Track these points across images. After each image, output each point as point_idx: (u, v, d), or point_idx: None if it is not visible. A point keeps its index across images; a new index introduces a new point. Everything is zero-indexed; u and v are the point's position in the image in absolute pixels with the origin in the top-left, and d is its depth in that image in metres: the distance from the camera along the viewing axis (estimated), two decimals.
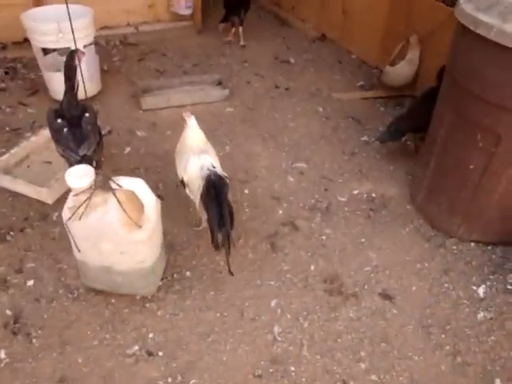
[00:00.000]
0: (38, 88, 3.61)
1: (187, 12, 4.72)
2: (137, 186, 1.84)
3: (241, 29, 4.55)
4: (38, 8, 3.53)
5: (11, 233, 2.34)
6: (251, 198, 2.72)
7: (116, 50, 4.41)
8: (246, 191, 2.78)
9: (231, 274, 1.97)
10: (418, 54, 3.54)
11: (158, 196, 2.06)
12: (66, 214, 1.75)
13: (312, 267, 2.30)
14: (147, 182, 1.93)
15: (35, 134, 2.97)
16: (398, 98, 3.82)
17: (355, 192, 2.82)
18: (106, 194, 1.71)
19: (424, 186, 2.59)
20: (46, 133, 2.82)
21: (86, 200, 1.68)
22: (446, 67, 2.35)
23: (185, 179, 2.14)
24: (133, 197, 1.75)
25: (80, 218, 1.70)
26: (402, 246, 2.46)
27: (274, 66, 4.31)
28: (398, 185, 2.89)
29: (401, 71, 3.59)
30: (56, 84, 3.34)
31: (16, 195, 2.55)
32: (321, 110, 3.63)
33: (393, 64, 3.63)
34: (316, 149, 3.19)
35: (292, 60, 4.39)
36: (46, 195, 2.49)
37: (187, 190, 2.19)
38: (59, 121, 2.22)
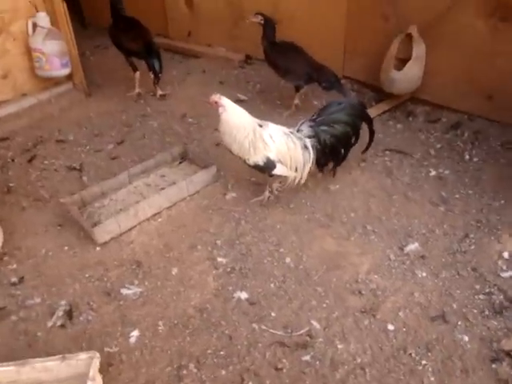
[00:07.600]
0: None
1: (64, 72, 3.24)
2: None
3: (152, 76, 3.28)
4: None
5: None
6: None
7: None
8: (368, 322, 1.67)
9: None
10: (424, 48, 2.78)
11: None
12: None
13: None
14: None
15: None
16: (399, 107, 3.04)
17: (506, 255, 1.93)
18: None
19: None
20: None
21: None
22: None
23: (272, 157, 1.98)
24: None
25: None
26: None
27: None
28: None
29: (411, 74, 2.79)
30: None
31: None
32: None
33: (398, 67, 2.82)
34: (400, 212, 2.19)
35: (242, 97, 3.27)
36: None
37: (278, 170, 2.01)
38: None
